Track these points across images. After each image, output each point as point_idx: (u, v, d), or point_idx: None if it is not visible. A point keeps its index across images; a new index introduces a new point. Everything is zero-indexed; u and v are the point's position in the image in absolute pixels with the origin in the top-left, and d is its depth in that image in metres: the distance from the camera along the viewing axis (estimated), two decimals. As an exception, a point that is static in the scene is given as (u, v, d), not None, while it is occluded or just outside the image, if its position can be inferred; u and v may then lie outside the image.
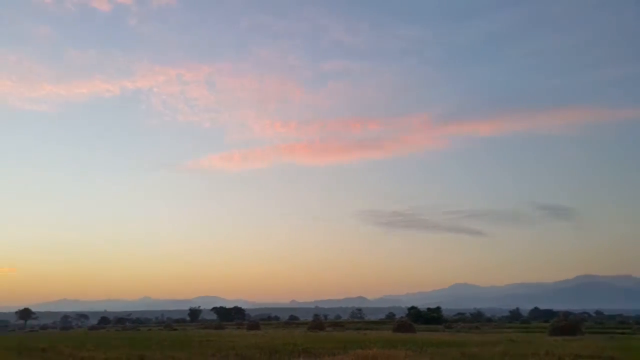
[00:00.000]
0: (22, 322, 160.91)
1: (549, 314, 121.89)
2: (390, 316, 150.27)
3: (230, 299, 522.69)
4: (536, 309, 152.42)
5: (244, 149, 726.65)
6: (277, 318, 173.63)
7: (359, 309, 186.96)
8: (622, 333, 50.93)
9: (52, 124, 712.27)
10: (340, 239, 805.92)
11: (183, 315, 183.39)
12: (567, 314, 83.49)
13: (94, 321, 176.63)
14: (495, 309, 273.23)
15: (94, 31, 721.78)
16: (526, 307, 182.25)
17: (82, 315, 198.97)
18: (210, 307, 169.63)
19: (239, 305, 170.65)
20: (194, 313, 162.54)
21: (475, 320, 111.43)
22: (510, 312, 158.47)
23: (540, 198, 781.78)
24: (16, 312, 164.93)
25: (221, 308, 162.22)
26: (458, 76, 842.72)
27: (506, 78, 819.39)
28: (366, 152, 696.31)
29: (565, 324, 40.71)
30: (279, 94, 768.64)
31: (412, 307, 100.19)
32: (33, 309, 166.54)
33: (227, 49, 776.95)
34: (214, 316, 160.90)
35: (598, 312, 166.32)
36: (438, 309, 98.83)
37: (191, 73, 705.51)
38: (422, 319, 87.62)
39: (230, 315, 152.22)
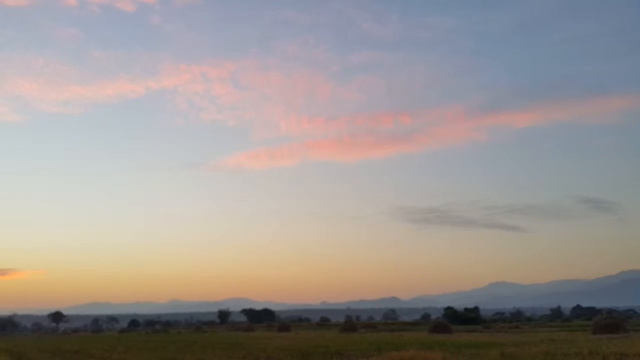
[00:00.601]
0: (54, 325, 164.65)
1: (591, 312, 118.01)
2: (426, 317, 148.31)
3: (259, 300, 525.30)
4: (578, 306, 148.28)
5: (270, 147, 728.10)
6: (307, 319, 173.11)
7: (393, 310, 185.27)
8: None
9: (79, 125, 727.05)
10: (372, 238, 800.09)
11: (212, 318, 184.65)
12: (610, 311, 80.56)
13: (124, 324, 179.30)
14: (535, 308, 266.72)
15: (118, 32, 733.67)
16: (568, 304, 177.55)
17: (112, 318, 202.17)
18: (240, 309, 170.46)
19: (268, 307, 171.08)
20: (223, 315, 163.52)
21: (515, 319, 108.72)
22: (551, 310, 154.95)
23: (580, 191, 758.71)
24: (48, 315, 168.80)
25: (250, 310, 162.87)
26: (492, 65, 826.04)
27: (542, 66, 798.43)
28: (398, 146, 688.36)
29: (609, 322, 38.87)
30: (305, 90, 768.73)
31: (449, 307, 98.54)
32: (64, 312, 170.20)
33: (251, 45, 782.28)
34: (243, 318, 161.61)
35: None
36: (476, 308, 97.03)
37: (216, 71, 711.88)
38: (459, 319, 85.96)
39: (259, 317, 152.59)
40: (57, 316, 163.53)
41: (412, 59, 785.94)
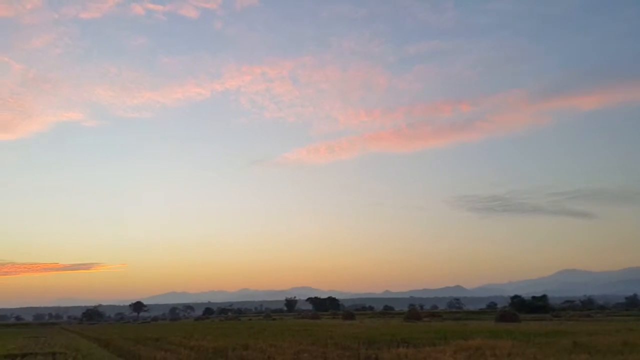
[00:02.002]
0: (135, 314, 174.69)
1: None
2: (492, 306, 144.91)
3: (324, 289, 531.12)
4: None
5: (329, 141, 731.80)
6: (371, 308, 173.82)
7: (457, 299, 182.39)
8: None
9: (151, 128, 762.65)
10: (434, 227, 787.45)
11: (280, 306, 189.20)
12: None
13: (199, 312, 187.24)
14: (608, 296, 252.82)
15: (184, 38, 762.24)
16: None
17: (189, 307, 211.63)
18: (305, 297, 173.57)
19: (333, 296, 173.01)
20: (290, 303, 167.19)
21: (586, 308, 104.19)
22: (626, 298, 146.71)
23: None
24: (130, 305, 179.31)
25: (316, 298, 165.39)
26: (555, 48, 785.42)
27: (607, 46, 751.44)
28: (458, 135, 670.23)
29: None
30: (363, 83, 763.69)
31: (515, 296, 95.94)
32: (144, 302, 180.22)
33: (308, 42, 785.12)
34: (309, 306, 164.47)
35: None
36: (544, 297, 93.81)
37: (275, 70, 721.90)
38: (527, 308, 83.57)
39: (325, 306, 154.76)
40: (137, 306, 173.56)
41: (470, 45, 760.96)
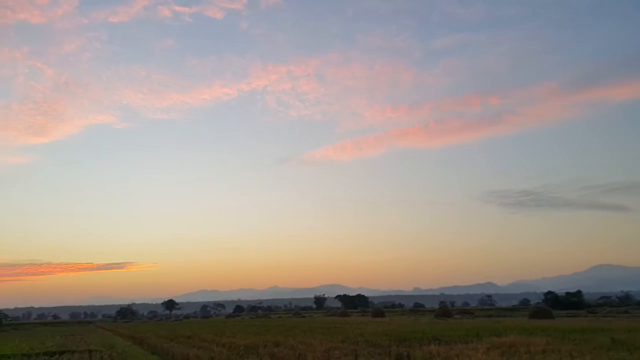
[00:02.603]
0: (167, 312, 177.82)
1: None
2: (524, 302, 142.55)
3: (352, 287, 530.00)
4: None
5: (356, 138, 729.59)
6: (401, 305, 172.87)
7: (489, 296, 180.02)
8: None
9: (180, 129, 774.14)
10: (464, 223, 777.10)
11: (309, 303, 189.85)
12: None
13: (229, 310, 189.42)
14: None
15: (210, 39, 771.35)
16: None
17: (219, 305, 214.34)
18: (334, 295, 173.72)
19: (362, 293, 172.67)
20: (319, 301, 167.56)
21: (624, 304, 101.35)
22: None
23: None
24: (162, 303, 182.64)
25: (345, 296, 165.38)
26: (586, 37, 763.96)
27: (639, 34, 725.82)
28: (488, 129, 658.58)
29: None
30: (389, 79, 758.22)
31: (549, 292, 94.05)
32: (176, 300, 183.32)
33: (334, 39, 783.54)
34: (338, 304, 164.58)
35: None
36: (578, 292, 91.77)
37: (300, 68, 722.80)
38: (561, 304, 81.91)
39: (354, 303, 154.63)
40: (169, 304, 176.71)
41: (498, 38, 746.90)
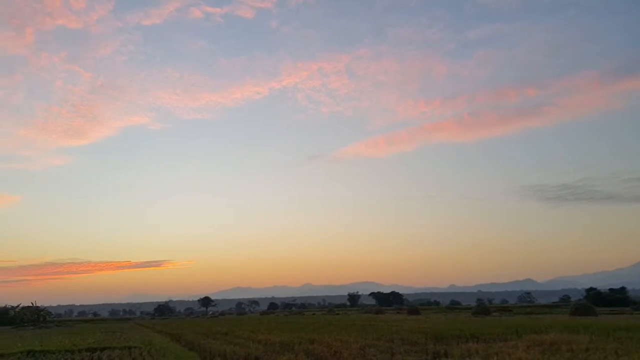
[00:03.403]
0: (203, 309, 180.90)
1: None
2: (565, 299, 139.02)
3: (386, 284, 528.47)
4: None
5: (388, 133, 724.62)
6: (436, 303, 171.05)
7: (528, 292, 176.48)
8: None
9: (212, 128, 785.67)
10: (502, 219, 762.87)
11: (342, 301, 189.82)
12: None
13: (263, 307, 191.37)
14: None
15: (241, 38, 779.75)
16: None
17: (254, 302, 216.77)
18: (368, 292, 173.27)
19: (396, 290, 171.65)
20: (353, 298, 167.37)
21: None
22: None
23: None
24: (198, 300, 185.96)
25: (379, 293, 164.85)
26: (626, 24, 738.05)
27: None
28: (525, 121, 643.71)
29: None
30: (420, 72, 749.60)
31: (591, 289, 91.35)
32: (211, 297, 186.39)
33: (364, 34, 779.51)
34: (372, 301, 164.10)
35: None
36: (622, 289, 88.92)
37: (331, 65, 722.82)
38: (604, 301, 79.47)
39: (388, 300, 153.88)
40: (205, 301, 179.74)
41: (534, 27, 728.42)
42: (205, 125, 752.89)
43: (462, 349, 16.59)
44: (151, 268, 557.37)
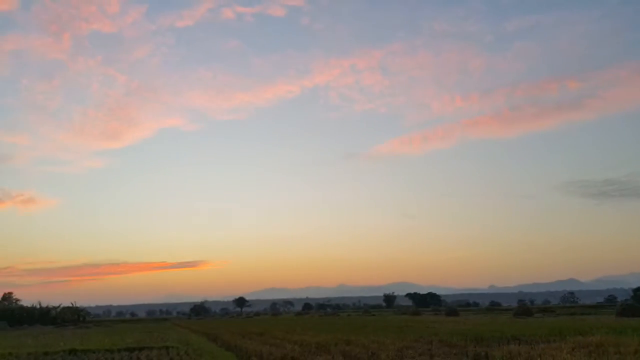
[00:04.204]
0: (238, 309, 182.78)
1: None
2: (611, 299, 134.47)
3: (423, 284, 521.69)
4: None
5: (423, 130, 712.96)
6: (475, 304, 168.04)
7: (571, 293, 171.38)
8: None
9: (245, 129, 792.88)
10: (543, 216, 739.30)
11: (378, 301, 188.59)
12: None
13: (298, 307, 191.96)
14: None
15: (272, 37, 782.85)
16: None
17: (288, 302, 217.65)
18: (404, 293, 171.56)
19: (433, 291, 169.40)
20: (389, 299, 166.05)
21: None
22: None
23: None
24: (233, 301, 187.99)
25: (415, 294, 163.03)
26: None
27: None
28: (566, 114, 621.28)
29: None
30: (457, 66, 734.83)
31: (639, 288, 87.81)
32: (246, 297, 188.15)
33: (398, 28, 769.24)
34: (408, 302, 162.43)
35: None
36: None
37: (364, 61, 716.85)
38: (653, 301, 76.18)
39: (425, 301, 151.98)
40: (240, 301, 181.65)
41: (575, 17, 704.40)
42: (238, 125, 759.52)
43: (503, 351, 16.03)
44: (187, 269, 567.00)
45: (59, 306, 79.59)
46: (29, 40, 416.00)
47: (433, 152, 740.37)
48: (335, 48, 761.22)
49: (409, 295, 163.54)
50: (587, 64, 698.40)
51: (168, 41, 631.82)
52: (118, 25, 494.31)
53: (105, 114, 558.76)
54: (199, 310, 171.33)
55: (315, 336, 25.30)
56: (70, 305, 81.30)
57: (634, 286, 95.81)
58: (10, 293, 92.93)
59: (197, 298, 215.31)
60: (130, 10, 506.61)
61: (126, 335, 35.59)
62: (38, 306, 77.28)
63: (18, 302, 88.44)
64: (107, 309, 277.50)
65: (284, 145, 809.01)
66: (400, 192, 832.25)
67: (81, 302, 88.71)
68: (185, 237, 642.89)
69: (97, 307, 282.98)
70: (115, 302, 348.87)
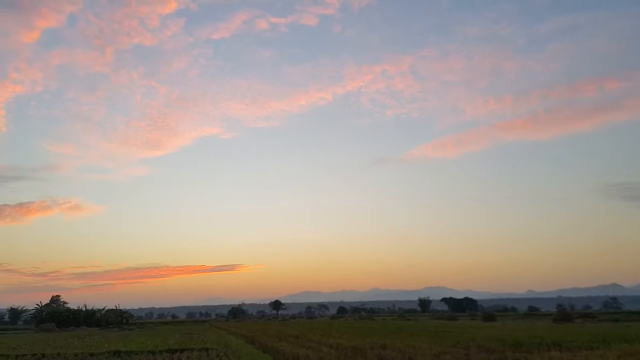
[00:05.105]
0: (274, 312, 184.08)
1: None
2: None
3: (459, 289, 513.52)
4: None
5: (456, 134, 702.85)
6: (513, 309, 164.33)
7: (614, 298, 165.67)
8: None
9: (279, 136, 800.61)
10: (583, 220, 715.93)
11: (412, 306, 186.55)
12: None
13: (332, 311, 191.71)
14: None
15: (305, 46, 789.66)
16: None
17: (323, 306, 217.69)
18: (439, 297, 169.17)
19: (469, 296, 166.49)
20: (424, 303, 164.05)
21: None
22: None
23: None
24: (269, 304, 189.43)
25: (451, 299, 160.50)
26: None
27: None
28: (604, 115, 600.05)
29: None
30: (489, 69, 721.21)
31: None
32: (282, 301, 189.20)
33: (429, 33, 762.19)
34: (443, 307, 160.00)
35: None
36: None
37: (395, 66, 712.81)
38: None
39: (461, 306, 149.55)
40: (276, 304, 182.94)
41: (612, 15, 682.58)
42: (272, 132, 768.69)
43: (543, 357, 15.80)
44: (224, 272, 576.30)
45: (103, 309, 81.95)
46: (74, 55, 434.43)
47: (466, 156, 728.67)
48: (367, 54, 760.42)
49: (444, 299, 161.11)
50: (627, 63, 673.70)
51: (206, 53, 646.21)
52: (158, 39, 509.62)
53: (148, 124, 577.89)
54: (237, 312, 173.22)
55: (351, 340, 25.39)
56: (114, 307, 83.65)
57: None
58: (58, 296, 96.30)
59: (235, 301, 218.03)
60: (170, 23, 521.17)
61: (167, 336, 36.47)
62: (84, 309, 79.74)
63: (65, 304, 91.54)
64: (149, 311, 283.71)
65: (317, 150, 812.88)
66: (433, 196, 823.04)
67: (124, 305, 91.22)
68: (223, 241, 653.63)
69: (140, 309, 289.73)
70: (156, 305, 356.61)
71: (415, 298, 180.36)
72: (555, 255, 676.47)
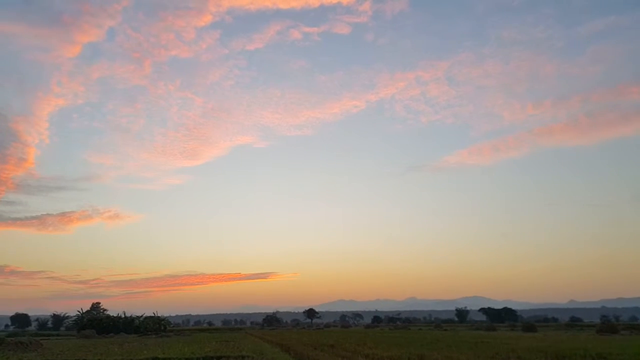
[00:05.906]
0: (308, 320, 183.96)
1: None
2: None
3: (497, 299, 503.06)
4: None
5: (493, 140, 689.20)
6: (554, 319, 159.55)
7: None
8: None
9: (312, 144, 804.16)
10: (628, 226, 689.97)
11: (449, 316, 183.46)
12: None
13: (367, 320, 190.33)
14: None
15: (338, 54, 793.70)
16: None
17: (357, 315, 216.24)
18: (477, 307, 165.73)
19: (508, 306, 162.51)
20: (461, 313, 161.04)
21: None
22: None
23: None
24: (303, 312, 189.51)
25: (489, 309, 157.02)
26: None
27: None
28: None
29: None
30: (527, 73, 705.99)
31: None
32: (316, 309, 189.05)
33: (465, 38, 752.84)
34: (481, 317, 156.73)
35: None
36: None
37: (429, 73, 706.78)
38: None
39: (500, 316, 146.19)
40: (310, 313, 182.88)
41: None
42: (305, 140, 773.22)
43: (589, 371, 15.20)
44: (259, 280, 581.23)
45: (141, 316, 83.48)
46: (113, 68, 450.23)
47: (505, 162, 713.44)
48: (400, 61, 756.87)
49: (482, 310, 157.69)
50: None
51: (240, 63, 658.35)
52: (194, 51, 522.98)
53: (184, 134, 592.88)
54: (271, 320, 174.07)
55: (387, 350, 25.07)
56: (152, 314, 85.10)
57: None
58: (98, 303, 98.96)
59: (270, 309, 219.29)
60: (205, 36, 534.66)
61: (204, 344, 36.85)
62: (123, 315, 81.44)
63: (105, 311, 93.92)
64: (186, 318, 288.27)
65: (350, 159, 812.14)
66: (470, 203, 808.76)
67: (162, 312, 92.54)
68: (258, 249, 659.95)
69: (177, 316, 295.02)
70: (193, 312, 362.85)
71: (452, 308, 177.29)
72: (599, 263, 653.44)
